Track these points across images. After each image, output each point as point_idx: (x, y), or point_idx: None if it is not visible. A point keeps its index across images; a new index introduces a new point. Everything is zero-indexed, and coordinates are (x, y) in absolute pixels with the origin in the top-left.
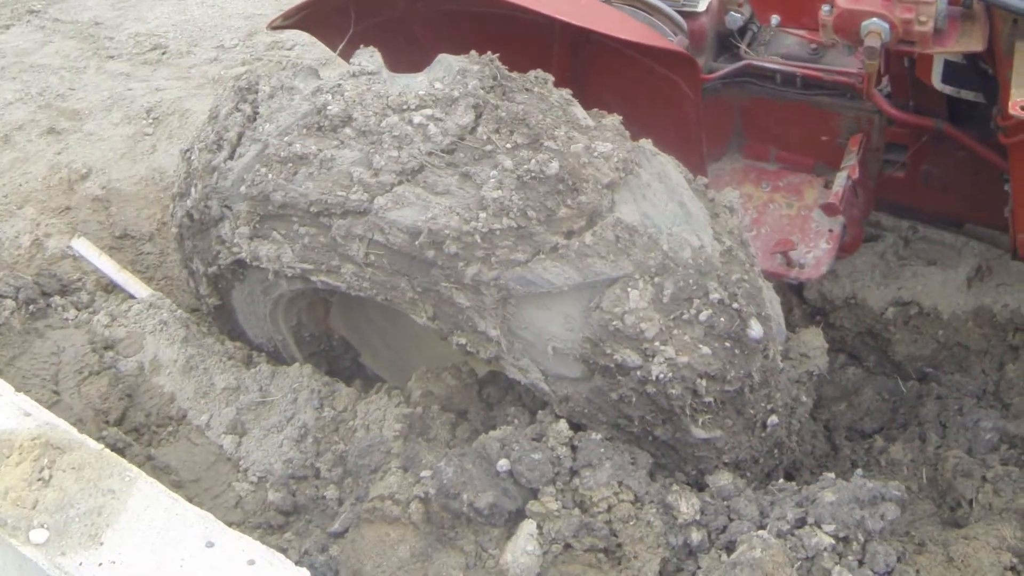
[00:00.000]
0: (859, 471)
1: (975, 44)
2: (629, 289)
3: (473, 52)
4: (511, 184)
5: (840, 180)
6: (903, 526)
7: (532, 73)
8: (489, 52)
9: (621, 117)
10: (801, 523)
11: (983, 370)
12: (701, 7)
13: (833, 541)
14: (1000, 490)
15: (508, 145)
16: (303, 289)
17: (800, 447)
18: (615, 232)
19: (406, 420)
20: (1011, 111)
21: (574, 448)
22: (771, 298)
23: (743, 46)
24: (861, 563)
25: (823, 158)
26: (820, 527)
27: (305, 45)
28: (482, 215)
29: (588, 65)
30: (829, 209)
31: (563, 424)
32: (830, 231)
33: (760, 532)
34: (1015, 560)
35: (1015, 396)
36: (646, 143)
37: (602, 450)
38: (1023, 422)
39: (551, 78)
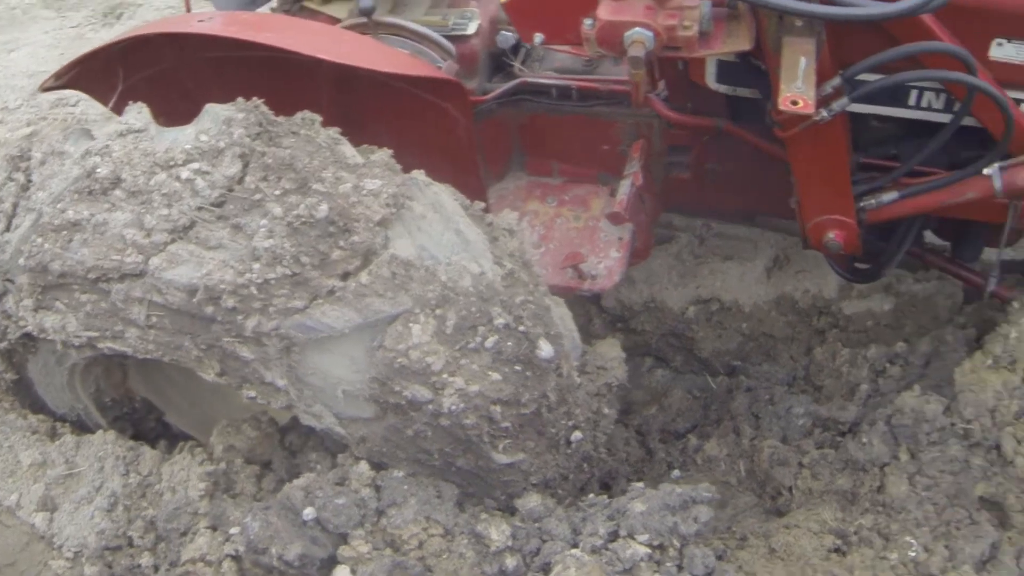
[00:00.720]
0: (676, 472)
1: (742, 44)
2: (411, 324)
3: (240, 99)
4: (282, 232)
5: (624, 188)
6: (725, 522)
7: (299, 115)
8: (255, 98)
9: (391, 151)
10: (614, 536)
11: (791, 357)
12: (470, 30)
13: (649, 550)
14: (818, 474)
15: (277, 192)
16: (95, 356)
17: (612, 457)
18: (391, 268)
19: (210, 478)
20: (781, 107)
21: (378, 488)
22: (561, 315)
23: (517, 64)
24: (680, 568)
25: (606, 167)
26: (634, 538)
27: (90, 100)
28: (256, 266)
29: (358, 101)
30: (615, 218)
31: (364, 465)
32: (620, 239)
33: (573, 551)
34: (838, 541)
35: (825, 379)
36: (419, 174)
37: (405, 487)
38: (834, 404)
39: (318, 119)
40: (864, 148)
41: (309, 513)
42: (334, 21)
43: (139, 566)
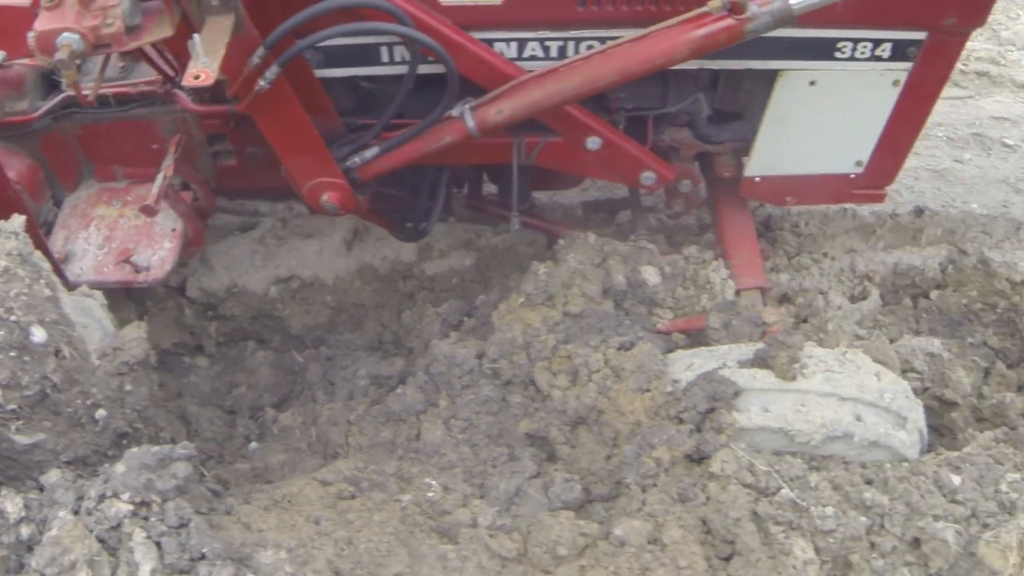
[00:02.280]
0: (254, 444)
1: (166, 31)
2: None
3: None
4: None
5: (157, 181)
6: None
7: None
8: None
9: None
10: (103, 498)
11: (382, 323)
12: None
13: (132, 507)
14: (364, 429)
15: None
16: None
17: (160, 431)
18: None
19: None
20: (184, 82)
21: None
22: (87, 305)
23: (64, 80)
24: (162, 521)
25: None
26: (118, 497)
27: None
28: None
29: None
30: (146, 211)
31: None
32: (173, 231)
33: (62, 513)
34: (351, 489)
35: (414, 340)
36: None
37: None
38: (393, 360)
39: None
40: (361, 110)
41: None
42: None
43: None
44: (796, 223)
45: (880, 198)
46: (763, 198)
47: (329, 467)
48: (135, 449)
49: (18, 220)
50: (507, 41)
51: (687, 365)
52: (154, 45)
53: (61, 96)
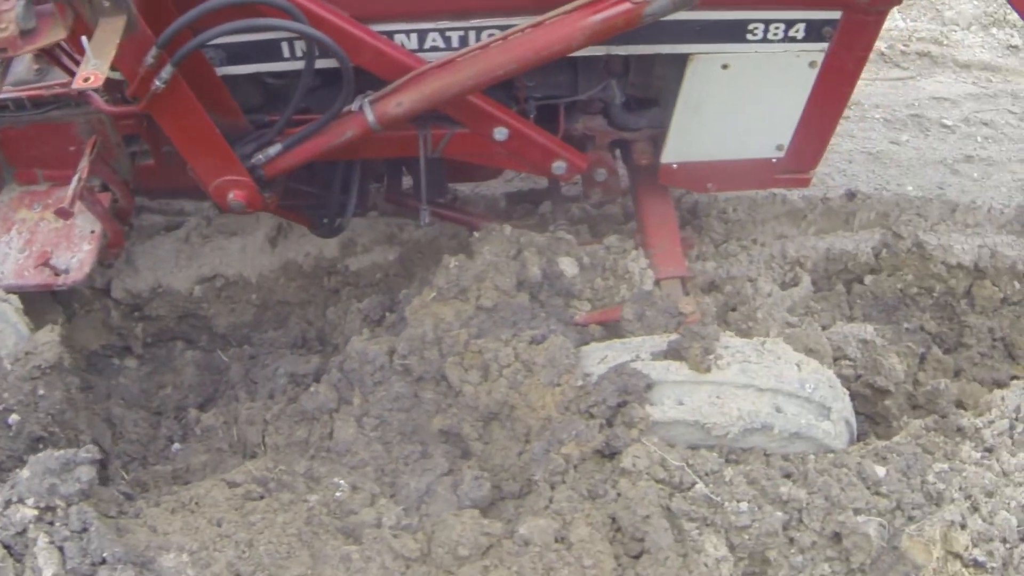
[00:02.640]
0: (176, 445)
1: (60, 34)
2: None
3: None
4: None
5: (72, 184)
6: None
7: None
8: None
9: None
10: (8, 503)
11: (307, 320)
12: None
13: (36, 512)
14: (279, 428)
15: None
16: None
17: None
18: None
19: None
20: (75, 85)
21: None
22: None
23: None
24: (66, 526)
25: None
26: (23, 503)
27: None
28: None
29: None
30: (61, 214)
31: None
32: (92, 232)
33: None
34: (260, 490)
35: (338, 336)
36: None
37: None
38: (310, 358)
39: None
40: (269, 107)
41: None
42: None
43: None
44: (724, 209)
45: (805, 183)
46: (683, 185)
47: (240, 468)
48: (39, 454)
49: None
50: (407, 33)
51: (600, 358)
52: (60, 46)
53: None
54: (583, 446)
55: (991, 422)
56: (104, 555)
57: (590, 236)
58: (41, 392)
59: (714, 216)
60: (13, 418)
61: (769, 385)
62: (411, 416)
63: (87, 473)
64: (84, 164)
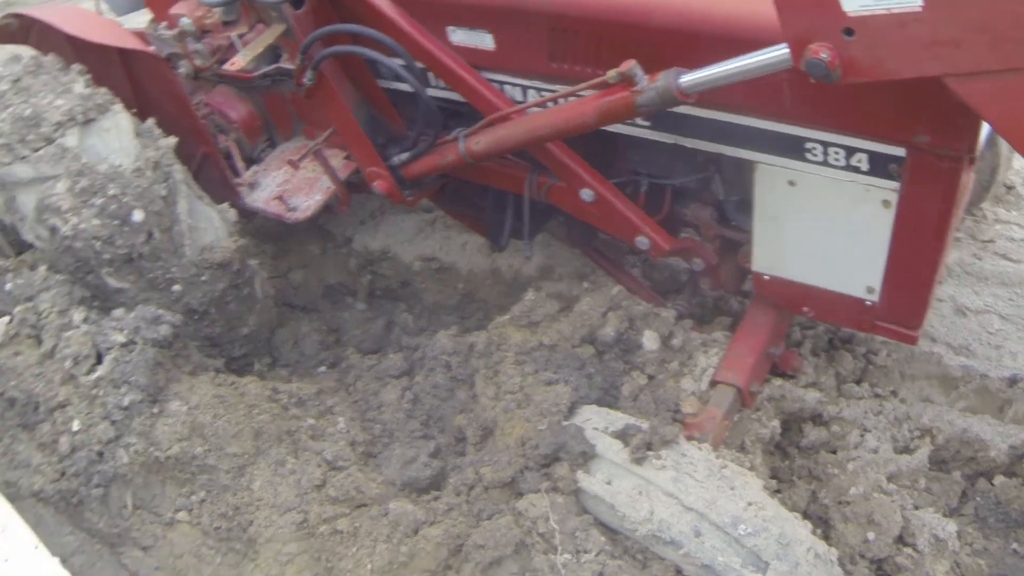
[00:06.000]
0: (322, 368)
1: (244, 29)
2: (58, 183)
3: (25, 47)
4: (7, 119)
5: (310, 146)
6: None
7: (73, 66)
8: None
9: (107, 90)
10: (112, 328)
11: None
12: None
13: (123, 340)
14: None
15: (19, 100)
16: None
17: (247, 326)
18: (58, 151)
19: None
20: (225, 67)
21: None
22: (209, 215)
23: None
24: (132, 353)
25: None
26: (121, 331)
27: None
28: None
29: (131, 73)
30: (291, 164)
31: (41, 268)
32: (327, 188)
33: (80, 325)
34: None
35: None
36: (117, 106)
37: (47, 281)
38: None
39: (79, 69)
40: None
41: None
42: None
43: None
44: (876, 351)
45: (910, 339)
46: (779, 301)
47: (292, 383)
48: (140, 307)
49: (170, 141)
50: (500, 83)
51: (585, 418)
52: None
53: (274, 66)
54: (498, 473)
55: None
56: (131, 378)
57: (698, 323)
58: (204, 279)
59: (859, 354)
60: (176, 288)
61: (695, 506)
62: (443, 405)
63: (166, 329)
64: (324, 135)
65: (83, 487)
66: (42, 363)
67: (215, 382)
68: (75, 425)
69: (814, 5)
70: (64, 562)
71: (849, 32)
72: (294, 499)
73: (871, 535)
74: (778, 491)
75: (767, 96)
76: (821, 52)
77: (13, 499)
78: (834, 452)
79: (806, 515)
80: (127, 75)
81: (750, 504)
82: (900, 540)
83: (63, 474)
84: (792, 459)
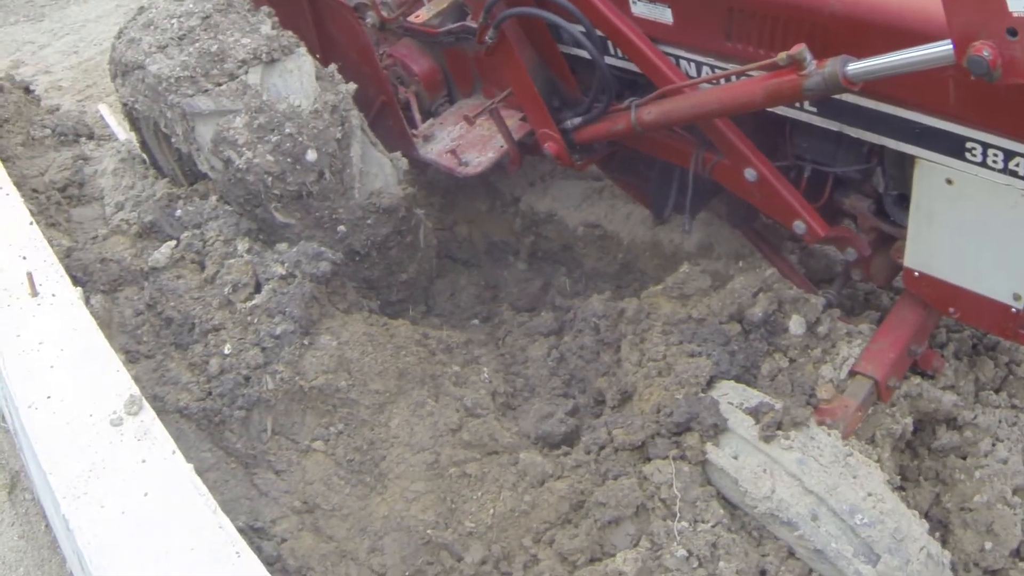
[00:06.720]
0: (475, 321)
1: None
2: (236, 117)
3: None
4: (194, 53)
5: (485, 105)
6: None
7: (262, 8)
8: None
9: (293, 34)
10: (275, 262)
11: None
12: None
13: (283, 272)
14: (515, 334)
15: (207, 36)
16: None
17: (407, 272)
18: (240, 87)
19: None
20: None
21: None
22: (380, 160)
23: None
24: (289, 285)
25: None
26: (282, 264)
27: None
28: (177, 69)
29: (318, 21)
30: (466, 120)
31: (213, 198)
32: (500, 147)
33: (243, 255)
34: None
35: None
36: (301, 49)
37: (216, 210)
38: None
39: (267, 11)
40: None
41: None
42: None
43: None
44: (1019, 361)
45: None
46: (927, 298)
47: (443, 331)
48: (303, 243)
49: (350, 87)
50: (675, 57)
51: (722, 392)
52: None
53: (457, 24)
54: (630, 436)
55: None
56: (286, 309)
57: (846, 314)
58: (369, 222)
59: (1001, 363)
60: (341, 228)
61: (815, 489)
62: (586, 367)
63: (326, 266)
64: (502, 95)
65: (226, 408)
66: (202, 287)
67: (367, 321)
68: (227, 348)
69: (980, 3)
70: (198, 475)
71: (1013, 32)
72: (428, 440)
73: (988, 544)
74: (902, 488)
75: (931, 91)
76: (983, 50)
77: (159, 412)
78: (964, 458)
79: (927, 517)
80: (314, 21)
81: (870, 495)
82: (1016, 554)
83: (209, 394)
84: (921, 459)
